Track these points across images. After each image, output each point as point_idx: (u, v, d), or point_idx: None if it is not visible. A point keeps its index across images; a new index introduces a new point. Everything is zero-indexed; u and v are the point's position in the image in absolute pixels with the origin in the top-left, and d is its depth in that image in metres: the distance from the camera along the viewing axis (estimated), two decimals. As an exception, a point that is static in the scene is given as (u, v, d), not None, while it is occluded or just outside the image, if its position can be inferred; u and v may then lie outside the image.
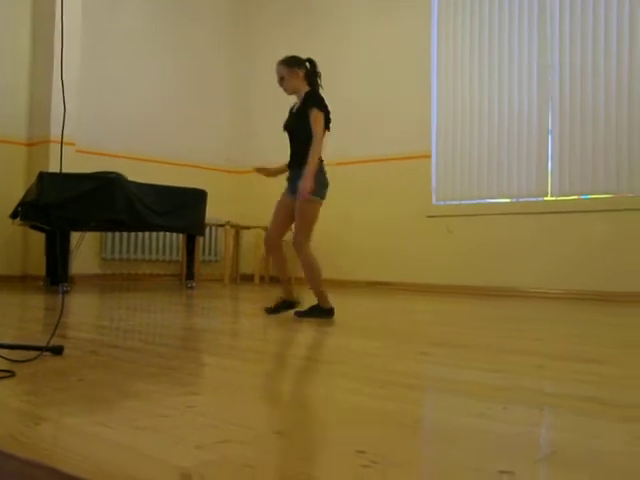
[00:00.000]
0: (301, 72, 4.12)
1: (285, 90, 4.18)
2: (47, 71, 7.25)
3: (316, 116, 3.98)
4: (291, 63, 4.13)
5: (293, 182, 4.10)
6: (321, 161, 4.06)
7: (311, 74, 4.16)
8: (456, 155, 7.42)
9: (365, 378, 2.14)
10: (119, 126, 8.07)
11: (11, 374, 2.01)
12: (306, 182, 3.90)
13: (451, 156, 7.46)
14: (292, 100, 4.26)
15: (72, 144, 7.16)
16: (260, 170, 4.31)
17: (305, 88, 4.13)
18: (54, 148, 7.11)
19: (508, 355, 2.73)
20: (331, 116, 4.07)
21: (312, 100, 4.05)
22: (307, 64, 4.16)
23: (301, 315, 4.06)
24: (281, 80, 4.14)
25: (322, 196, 4.05)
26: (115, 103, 8.06)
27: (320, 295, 4.08)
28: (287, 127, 4.19)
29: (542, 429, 1.58)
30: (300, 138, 4.06)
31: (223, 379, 2.16)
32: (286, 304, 4.21)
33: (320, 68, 4.18)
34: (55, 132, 7.13)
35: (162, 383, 1.96)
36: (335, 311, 4.09)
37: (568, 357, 2.70)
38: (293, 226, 4.12)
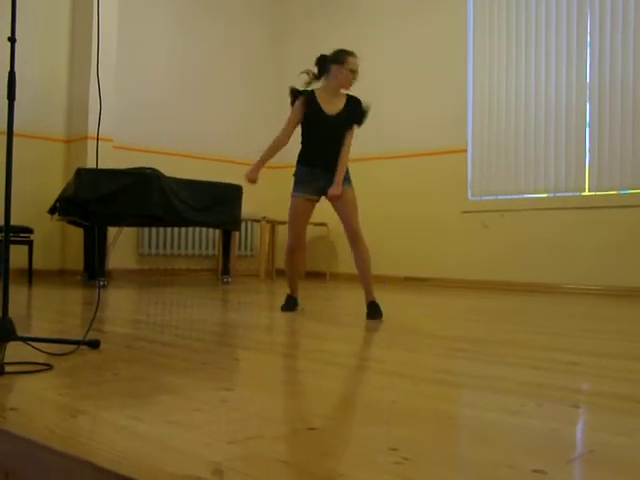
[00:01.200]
0: None
1: (350, 86, 4.09)
2: (85, 69, 7.34)
3: (354, 131, 4.09)
4: None
5: (318, 181, 4.10)
6: None
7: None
8: (492, 150, 7.35)
9: (398, 374, 2.13)
10: (156, 122, 8.14)
11: (49, 367, 2.04)
12: (339, 188, 4.01)
13: (487, 151, 7.39)
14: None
15: (110, 140, 7.24)
16: (252, 177, 4.25)
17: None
18: (92, 144, 7.19)
19: (543, 351, 2.70)
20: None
21: (361, 113, 4.10)
22: None
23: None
24: (355, 74, 4.06)
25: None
26: (152, 100, 8.13)
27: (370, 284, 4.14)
28: (321, 125, 4.08)
29: (577, 427, 1.56)
30: (338, 139, 4.07)
31: (257, 374, 2.16)
32: (295, 301, 4.31)
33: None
34: (92, 129, 7.22)
35: (196, 378, 1.98)
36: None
37: (604, 354, 2.66)
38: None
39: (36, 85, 7.26)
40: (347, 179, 4.09)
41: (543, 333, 3.38)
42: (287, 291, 4.35)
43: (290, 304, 4.27)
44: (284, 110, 4.34)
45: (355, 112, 4.09)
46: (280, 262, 8.99)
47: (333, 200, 4.04)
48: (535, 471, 1.16)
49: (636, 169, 6.34)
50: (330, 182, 4.05)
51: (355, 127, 4.09)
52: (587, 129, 6.67)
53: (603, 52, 6.56)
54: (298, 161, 4.19)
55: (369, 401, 1.73)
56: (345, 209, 4.04)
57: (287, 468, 1.16)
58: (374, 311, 3.91)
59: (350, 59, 4.02)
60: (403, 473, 1.14)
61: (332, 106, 4.07)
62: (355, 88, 4.11)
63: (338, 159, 4.05)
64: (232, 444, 1.29)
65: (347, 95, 4.12)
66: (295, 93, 4.15)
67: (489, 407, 1.70)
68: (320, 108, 4.06)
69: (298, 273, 4.36)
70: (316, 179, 4.11)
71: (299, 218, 4.15)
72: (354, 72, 4.02)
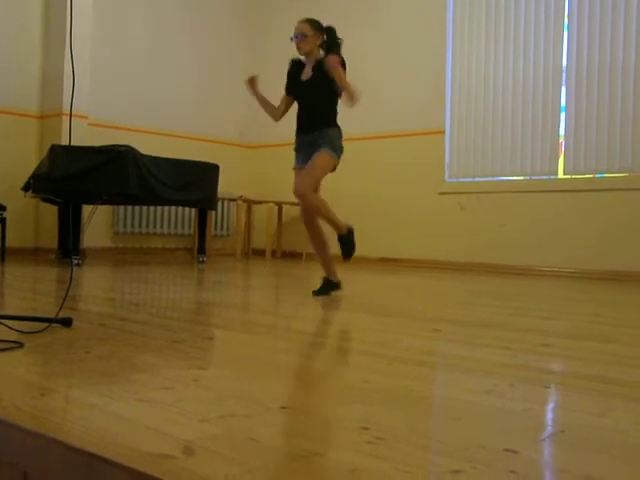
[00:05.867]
0: (321, 37, 4.08)
1: (300, 49, 4.07)
2: (59, 43, 7.23)
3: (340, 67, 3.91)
4: (317, 26, 4.08)
5: (306, 148, 4.04)
6: (339, 127, 4.07)
7: (329, 43, 4.08)
8: (469, 132, 7.36)
9: (373, 354, 2.13)
10: (132, 99, 8.05)
11: (20, 345, 2.02)
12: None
13: (464, 133, 7.40)
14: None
15: (85, 117, 7.16)
16: (252, 83, 4.24)
17: (318, 53, 4.08)
18: (66, 121, 7.10)
19: (517, 333, 2.71)
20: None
21: (330, 48, 4.02)
22: (325, 33, 4.11)
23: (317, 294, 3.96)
24: (303, 37, 4.03)
25: (339, 157, 4.04)
26: (128, 76, 8.04)
27: (338, 227, 4.04)
28: (299, 93, 4.12)
29: (549, 407, 1.57)
30: (316, 102, 4.04)
31: (230, 353, 2.16)
32: (330, 284, 4.10)
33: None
34: (67, 105, 7.12)
35: (169, 356, 1.96)
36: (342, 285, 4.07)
37: (577, 336, 2.69)
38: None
39: (8, 58, 7.15)
40: (328, 143, 3.98)
41: (517, 315, 3.40)
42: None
43: (324, 287, 4.08)
44: (266, 88, 4.31)
45: (323, 64, 3.99)
46: (256, 242, 8.99)
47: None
48: (506, 450, 1.17)
49: (612, 153, 6.38)
50: (307, 148, 4.03)
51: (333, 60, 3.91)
52: (563, 113, 6.69)
53: (580, 36, 6.57)
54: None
55: (342, 380, 1.73)
56: (304, 168, 4.01)
57: (259, 447, 1.16)
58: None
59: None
60: (375, 452, 1.14)
61: (307, 73, 4.11)
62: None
63: (318, 123, 4.02)
64: (204, 422, 1.28)
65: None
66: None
67: (462, 387, 1.71)
68: (298, 76, 4.14)
69: (318, 248, 4.14)
70: (303, 147, 4.08)
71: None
72: (295, 37, 4.06)
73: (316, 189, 4.01)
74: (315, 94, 4.05)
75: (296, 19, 4.19)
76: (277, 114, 4.28)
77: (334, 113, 4.07)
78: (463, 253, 7.27)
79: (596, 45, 6.47)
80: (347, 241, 4.08)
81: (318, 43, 4.08)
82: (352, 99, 3.88)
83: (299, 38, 4.05)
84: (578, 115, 6.58)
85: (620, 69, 6.32)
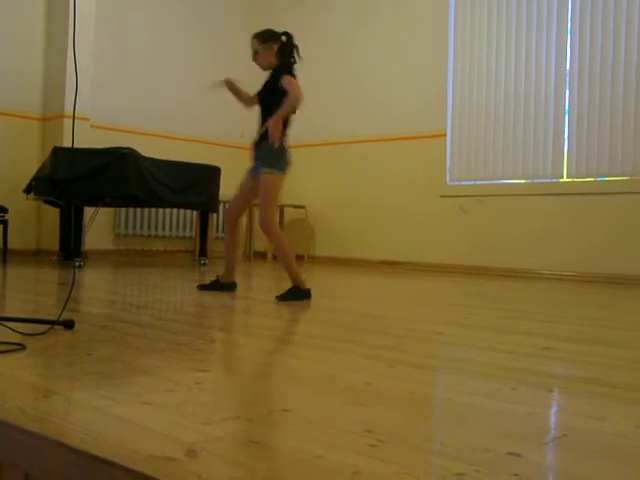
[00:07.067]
0: (275, 47, 3.97)
1: (259, 66, 4.03)
2: (61, 46, 7.24)
3: (289, 80, 3.82)
4: (265, 38, 3.98)
5: (254, 160, 4.00)
6: (285, 135, 3.94)
7: (285, 48, 3.97)
8: (471, 134, 7.36)
9: (375, 357, 2.13)
10: (134, 102, 8.06)
11: (22, 347, 2.01)
12: (274, 126, 3.78)
13: (466, 136, 7.40)
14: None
15: (87, 119, 7.16)
16: (228, 84, 4.23)
17: (276, 63, 3.99)
18: (68, 123, 7.11)
19: (519, 336, 2.71)
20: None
21: (281, 71, 3.90)
22: (283, 38, 4.00)
23: (280, 299, 3.75)
24: (255, 55, 4.00)
25: (282, 170, 3.90)
26: (130, 79, 8.04)
27: (293, 275, 3.86)
28: (259, 97, 4.07)
29: (551, 411, 1.57)
30: (264, 113, 3.95)
31: (232, 356, 2.16)
32: (219, 284, 4.17)
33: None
34: (69, 107, 7.13)
35: (171, 359, 1.96)
36: (311, 293, 3.88)
37: (579, 339, 2.68)
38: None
39: (11, 61, 7.15)
40: (265, 162, 3.87)
41: (519, 318, 3.40)
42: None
43: (210, 285, 4.21)
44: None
45: (276, 74, 3.94)
46: (257, 244, 8.98)
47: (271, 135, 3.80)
48: (510, 454, 1.17)
49: (613, 157, 6.38)
50: (257, 159, 3.97)
51: (287, 77, 3.82)
52: (566, 116, 6.69)
53: (583, 39, 6.57)
54: None
55: (344, 383, 1.73)
56: (259, 195, 3.95)
57: (261, 450, 1.16)
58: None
59: None
60: (378, 455, 1.13)
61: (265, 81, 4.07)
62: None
63: (263, 135, 3.89)
64: (206, 425, 1.28)
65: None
66: None
67: (465, 390, 1.71)
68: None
69: (231, 250, 4.21)
70: (255, 159, 4.03)
71: (237, 189, 4.12)
72: (253, 53, 4.05)
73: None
74: (264, 104, 3.98)
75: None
76: (249, 104, 4.23)
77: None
78: (464, 256, 7.27)
79: (599, 48, 6.47)
80: (295, 293, 3.81)
81: (274, 51, 3.97)
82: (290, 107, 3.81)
83: (253, 57, 4.03)
84: (581, 118, 6.58)
85: (623, 73, 6.32)
